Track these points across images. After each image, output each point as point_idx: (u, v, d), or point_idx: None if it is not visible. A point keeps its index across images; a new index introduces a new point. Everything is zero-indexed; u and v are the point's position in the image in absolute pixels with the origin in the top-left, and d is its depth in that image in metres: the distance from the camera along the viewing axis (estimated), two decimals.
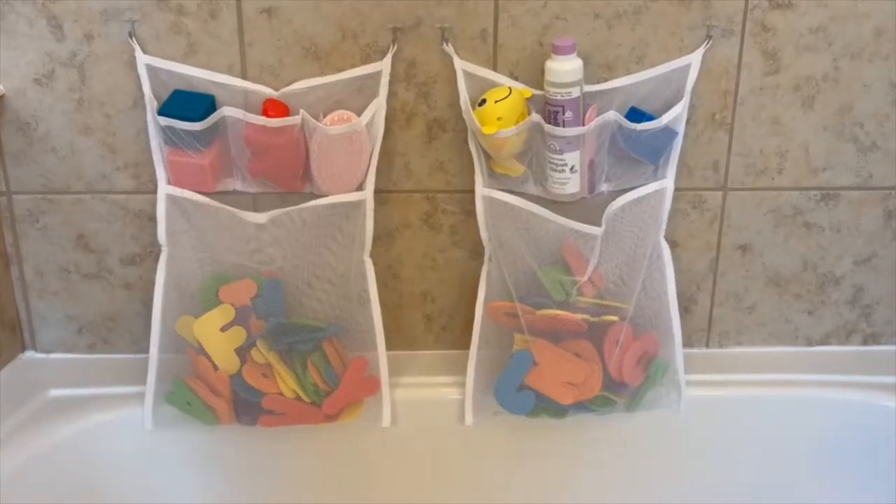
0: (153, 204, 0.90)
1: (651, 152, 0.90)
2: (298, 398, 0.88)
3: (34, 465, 0.87)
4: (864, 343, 1.03)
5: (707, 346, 1.03)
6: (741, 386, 0.99)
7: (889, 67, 0.90)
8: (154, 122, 0.86)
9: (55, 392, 0.95)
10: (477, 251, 0.97)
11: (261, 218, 0.87)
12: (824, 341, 1.03)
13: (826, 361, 1.01)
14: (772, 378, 0.99)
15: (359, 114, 0.87)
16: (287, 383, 0.87)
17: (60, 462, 0.89)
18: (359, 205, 0.89)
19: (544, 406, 0.91)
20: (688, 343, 0.99)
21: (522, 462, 0.98)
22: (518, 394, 0.90)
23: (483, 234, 0.92)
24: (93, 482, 0.91)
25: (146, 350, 0.92)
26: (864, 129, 0.93)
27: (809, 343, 1.03)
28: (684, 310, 0.99)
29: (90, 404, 0.93)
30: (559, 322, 0.88)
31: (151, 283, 0.90)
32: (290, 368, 0.88)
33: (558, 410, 0.92)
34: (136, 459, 0.93)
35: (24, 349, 0.99)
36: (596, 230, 0.88)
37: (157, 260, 0.90)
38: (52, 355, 1.00)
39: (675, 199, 0.93)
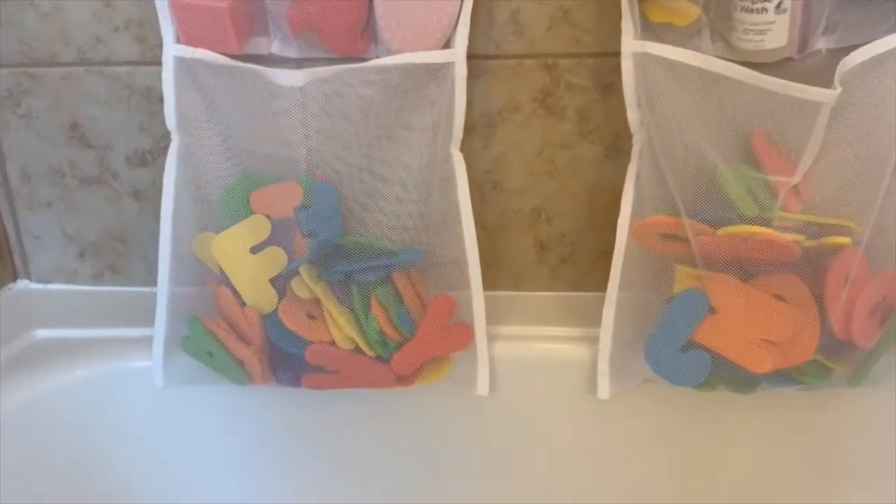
0: None
1: None
2: (357, 350, 0.61)
3: (9, 423, 0.65)
4: None
5: None
6: None
7: None
8: None
9: (44, 333, 0.73)
10: (617, 146, 0.67)
11: (298, 78, 0.59)
12: None
13: None
14: None
15: None
16: (342, 327, 0.61)
17: (41, 422, 0.67)
18: (444, 70, 0.61)
19: (724, 374, 0.60)
20: None
21: (681, 454, 0.68)
22: (684, 355, 0.60)
23: (632, 115, 0.61)
24: (86, 448, 0.69)
25: None
26: None
27: None
28: None
29: (88, 349, 0.71)
30: (755, 246, 0.57)
31: None
32: (347, 307, 0.62)
33: (746, 381, 0.61)
34: (142, 424, 0.70)
35: (15, 277, 0.77)
36: (827, 95, 0.55)
37: None
38: (50, 286, 0.77)
39: None
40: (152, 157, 0.71)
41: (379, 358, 0.62)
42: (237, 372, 0.63)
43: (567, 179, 0.69)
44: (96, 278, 0.76)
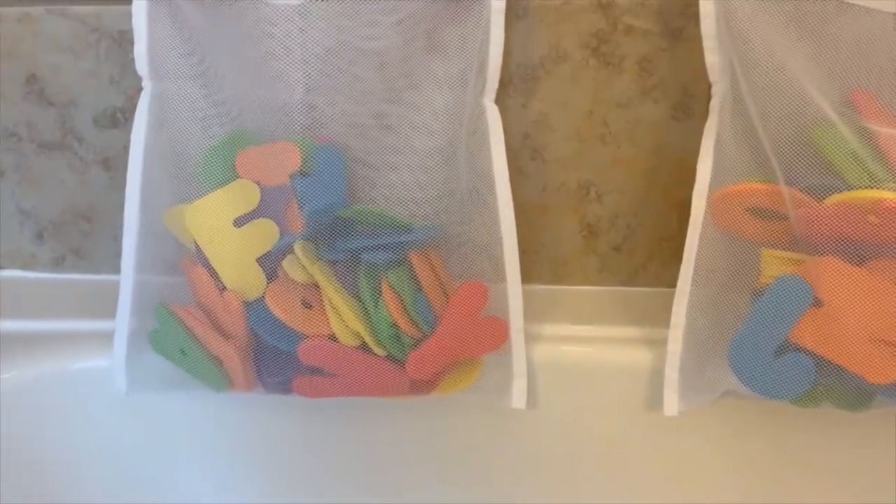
0: None
1: None
2: (364, 347, 0.49)
3: None
4: None
5: None
6: None
7: None
8: None
9: None
10: (686, 106, 0.55)
11: None
12: None
13: None
14: None
15: None
16: (345, 318, 0.48)
17: None
18: (476, 2, 0.49)
19: (831, 384, 0.47)
20: None
21: (764, 486, 0.55)
22: (779, 360, 0.47)
23: (711, 58, 0.49)
24: (40, 459, 0.57)
25: None
26: None
27: None
28: None
29: (47, 346, 0.59)
30: (881, 218, 0.44)
31: None
32: (352, 293, 0.49)
33: (859, 394, 0.48)
34: (107, 434, 0.58)
35: None
36: None
37: None
38: (4, 273, 0.66)
39: None
40: (125, 118, 0.60)
41: (390, 358, 0.49)
42: (215, 374, 0.51)
43: (624, 146, 0.57)
44: (57, 264, 0.65)
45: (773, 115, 0.47)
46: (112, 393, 0.56)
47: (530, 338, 0.57)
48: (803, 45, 0.47)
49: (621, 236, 0.59)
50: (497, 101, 0.54)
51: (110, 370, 0.55)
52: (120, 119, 0.60)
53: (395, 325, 0.48)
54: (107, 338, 0.58)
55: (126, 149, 0.59)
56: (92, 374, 0.60)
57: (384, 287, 0.49)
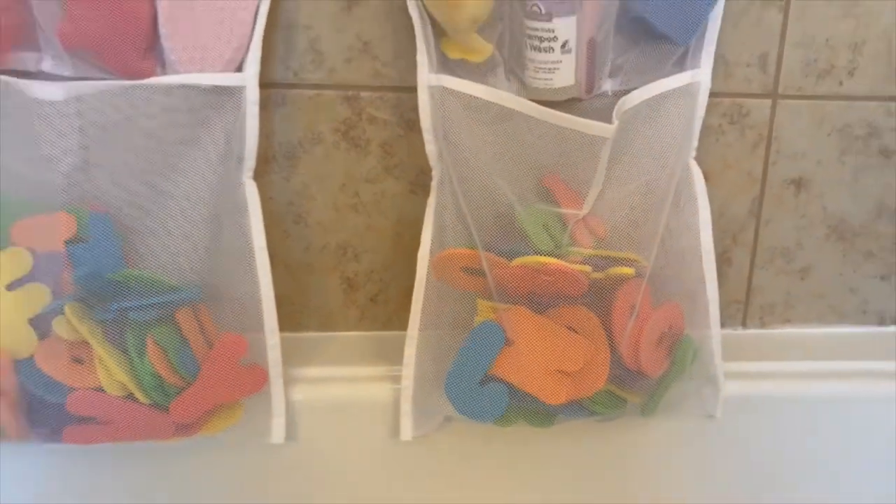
0: None
1: (681, 23, 0.60)
2: (130, 396, 0.55)
3: None
4: None
5: (744, 324, 0.74)
6: (791, 379, 0.70)
7: None
8: None
9: None
10: (422, 182, 0.66)
11: (57, 92, 0.54)
12: None
13: None
14: (834, 368, 0.70)
15: None
16: (112, 372, 0.54)
17: None
18: (233, 95, 0.57)
19: (521, 407, 0.60)
20: None
21: (486, 496, 0.66)
22: (483, 389, 0.59)
23: (430, 147, 0.61)
24: None
25: None
26: None
27: (883, 322, 0.75)
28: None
29: None
30: (547, 276, 0.57)
31: None
32: (120, 349, 0.55)
33: (543, 415, 0.61)
34: None
35: None
36: (606, 129, 0.57)
37: None
38: None
39: (706, 109, 0.65)
40: None
41: (155, 405, 0.56)
42: None
43: (373, 215, 0.67)
44: None
45: (472, 197, 0.59)
46: None
47: (298, 380, 0.65)
48: (501, 139, 0.60)
49: (376, 289, 0.70)
50: (263, 174, 0.63)
51: None
52: None
53: (158, 376, 0.55)
54: None
55: None
56: None
57: (149, 342, 0.55)
